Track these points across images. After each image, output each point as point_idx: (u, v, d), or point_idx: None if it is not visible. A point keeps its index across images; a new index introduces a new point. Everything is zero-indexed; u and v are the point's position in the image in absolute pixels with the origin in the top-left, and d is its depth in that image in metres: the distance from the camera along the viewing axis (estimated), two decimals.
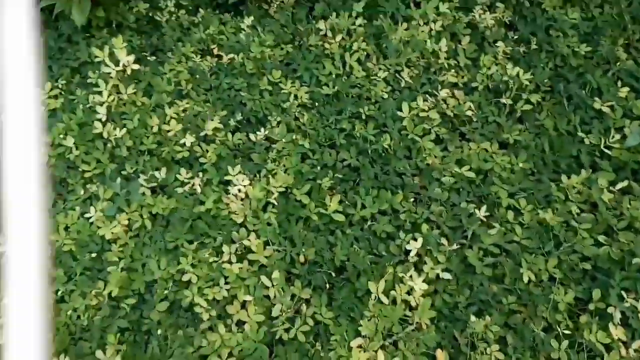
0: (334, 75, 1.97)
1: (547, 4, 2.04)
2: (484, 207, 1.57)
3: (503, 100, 1.79)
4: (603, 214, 1.52)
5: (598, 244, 1.49)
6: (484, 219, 1.57)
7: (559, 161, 1.69)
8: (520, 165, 1.66)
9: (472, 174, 1.66)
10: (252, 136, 1.86)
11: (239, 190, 1.70)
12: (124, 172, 1.83)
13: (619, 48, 1.92)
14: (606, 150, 1.67)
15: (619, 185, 1.56)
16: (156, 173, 1.79)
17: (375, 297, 1.43)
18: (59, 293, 1.62)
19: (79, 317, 1.58)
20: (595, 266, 1.48)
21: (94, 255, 1.67)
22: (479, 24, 2.01)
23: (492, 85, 1.86)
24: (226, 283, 1.55)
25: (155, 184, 1.78)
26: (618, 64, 1.89)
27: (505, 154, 1.70)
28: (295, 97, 1.93)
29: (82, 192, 1.80)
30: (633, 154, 1.65)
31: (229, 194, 1.71)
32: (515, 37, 1.96)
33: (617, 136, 1.68)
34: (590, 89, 1.84)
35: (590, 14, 2.05)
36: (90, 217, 1.73)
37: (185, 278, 1.57)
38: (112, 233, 1.69)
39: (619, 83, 1.81)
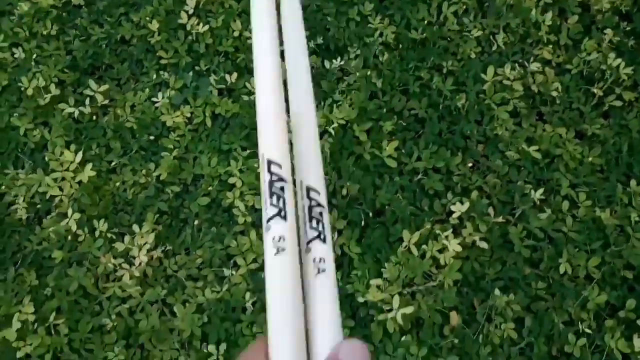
0: (425, 22, 1.90)
1: None
2: (540, 190, 1.52)
3: (594, 90, 1.69)
4: None
5: None
6: (537, 202, 1.52)
7: (633, 165, 1.59)
8: (591, 159, 1.58)
9: (538, 155, 1.60)
10: (327, 63, 1.84)
11: None
12: (197, 68, 1.87)
13: None
14: None
15: None
16: (227, 76, 1.82)
17: (406, 246, 1.43)
18: (112, 164, 1.71)
19: (125, 190, 1.66)
20: (638, 277, 1.41)
21: (152, 137, 1.74)
22: (592, 6, 1.87)
23: (586, 72, 1.75)
24: None
25: (223, 86, 1.81)
26: None
27: (579, 144, 1.62)
28: (381, 34, 1.88)
29: (154, 76, 1.85)
30: None
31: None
32: (628, 28, 1.82)
33: None
34: None
35: None
36: (157, 102, 1.79)
37: (231, 180, 1.61)
38: (173, 122, 1.75)
39: None
